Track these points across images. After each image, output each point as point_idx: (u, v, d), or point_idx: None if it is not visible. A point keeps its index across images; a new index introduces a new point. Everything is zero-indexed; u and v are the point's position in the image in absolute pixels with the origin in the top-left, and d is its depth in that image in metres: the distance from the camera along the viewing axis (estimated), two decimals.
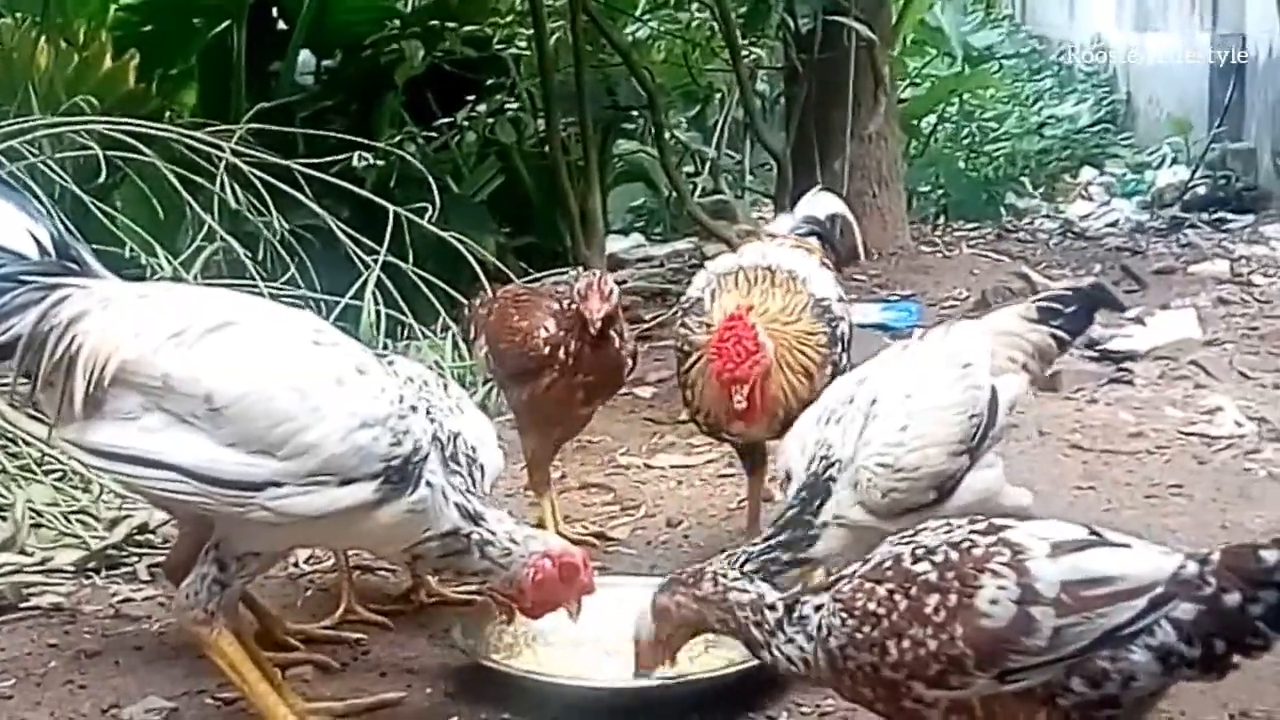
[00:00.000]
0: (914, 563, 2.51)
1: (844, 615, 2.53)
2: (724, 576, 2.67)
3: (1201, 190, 9.59)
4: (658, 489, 4.56)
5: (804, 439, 3.18)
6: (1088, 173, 11.26)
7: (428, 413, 2.93)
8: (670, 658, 2.77)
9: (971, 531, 2.54)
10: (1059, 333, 3.31)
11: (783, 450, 3.24)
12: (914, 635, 2.44)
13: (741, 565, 2.99)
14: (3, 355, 2.82)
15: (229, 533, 2.85)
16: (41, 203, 2.96)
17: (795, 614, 2.60)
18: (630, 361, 3.92)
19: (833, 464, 3.08)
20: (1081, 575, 2.40)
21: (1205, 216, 8.93)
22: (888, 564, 2.56)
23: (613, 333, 3.77)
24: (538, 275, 6.95)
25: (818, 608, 2.60)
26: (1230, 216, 8.91)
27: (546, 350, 3.77)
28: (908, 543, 2.59)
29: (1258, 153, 9.83)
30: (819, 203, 4.08)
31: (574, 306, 3.74)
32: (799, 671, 2.62)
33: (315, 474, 2.76)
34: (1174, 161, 10.77)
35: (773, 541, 3.06)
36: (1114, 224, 9.32)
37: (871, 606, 2.50)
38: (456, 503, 2.90)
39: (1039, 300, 3.38)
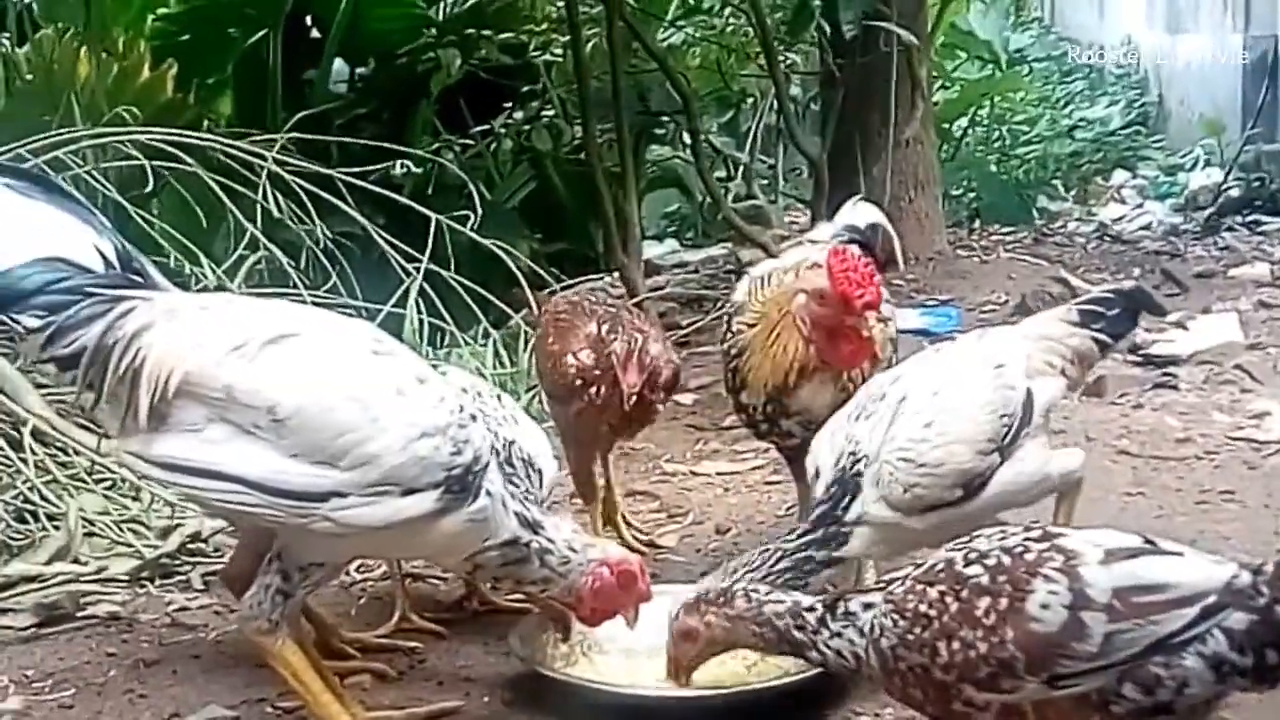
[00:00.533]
0: (966, 565, 2.54)
1: (896, 616, 2.55)
2: (755, 592, 2.71)
3: (1235, 192, 9.53)
4: (704, 496, 4.56)
5: (834, 436, 3.18)
6: (1120, 175, 11.22)
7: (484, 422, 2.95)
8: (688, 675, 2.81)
9: (1025, 538, 2.56)
10: (1100, 336, 3.30)
11: (814, 447, 3.24)
12: (964, 637, 2.46)
13: (776, 563, 3.01)
14: (67, 367, 2.84)
15: (292, 543, 2.86)
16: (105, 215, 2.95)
17: (839, 610, 2.63)
18: (665, 395, 3.87)
19: (860, 460, 3.09)
20: (1134, 582, 2.42)
21: (1240, 219, 8.88)
22: (940, 567, 2.58)
23: (647, 393, 3.72)
24: (571, 281, 6.99)
25: (867, 606, 2.61)
26: (1265, 219, 8.86)
27: (576, 382, 3.75)
28: (961, 547, 2.61)
29: None
30: (859, 212, 4.06)
31: (611, 338, 3.71)
32: (849, 666, 2.64)
33: (378, 484, 2.77)
34: (1207, 164, 10.72)
35: (806, 539, 3.07)
36: (1147, 227, 9.28)
37: (923, 608, 2.53)
38: (516, 511, 2.91)
39: (1080, 303, 3.37)
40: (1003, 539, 2.58)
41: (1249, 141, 10.05)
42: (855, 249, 3.65)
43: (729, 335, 3.69)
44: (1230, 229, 8.50)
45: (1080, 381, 3.37)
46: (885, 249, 4.06)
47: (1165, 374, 5.36)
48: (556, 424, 4.00)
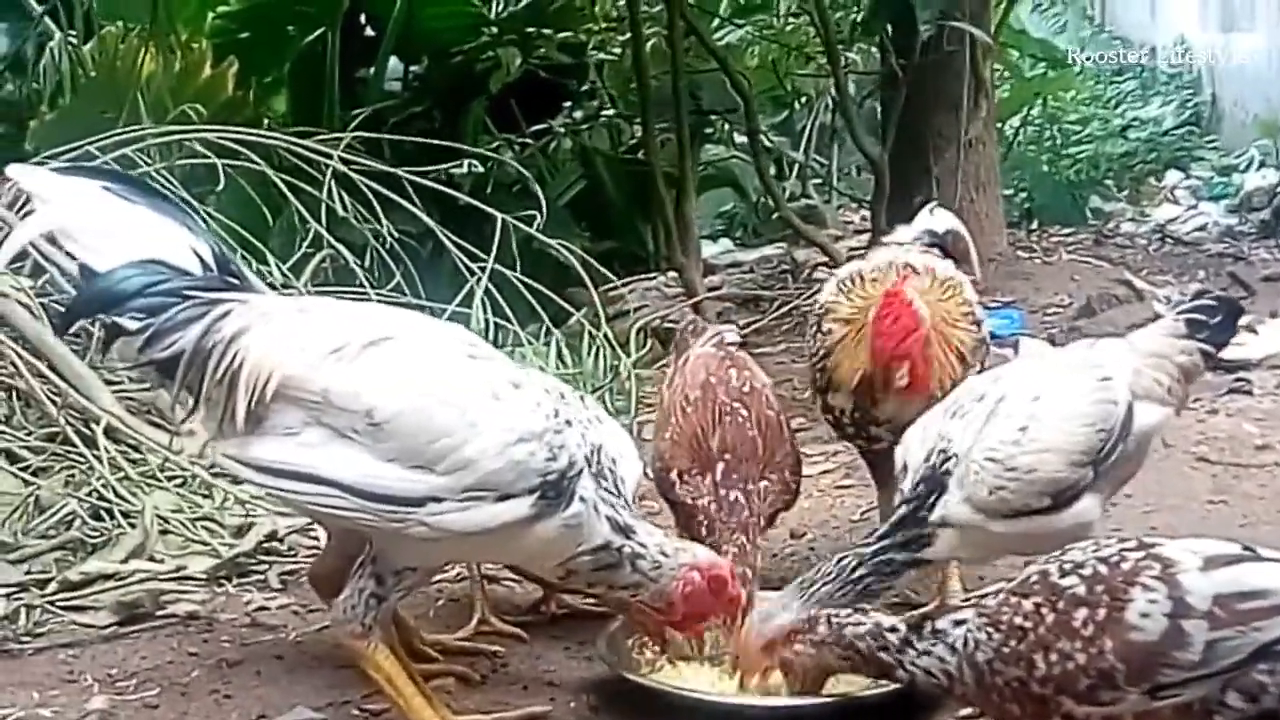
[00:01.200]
0: (1061, 577, 2.52)
1: (990, 630, 2.54)
2: (836, 616, 2.72)
3: None
4: None
5: (926, 431, 3.13)
6: (1173, 176, 11.11)
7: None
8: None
9: (1121, 547, 2.53)
10: (1206, 346, 3.25)
11: (905, 440, 3.19)
12: (1062, 649, 2.44)
13: (853, 571, 2.98)
14: (166, 370, 2.84)
15: (386, 547, 2.85)
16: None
17: (925, 630, 2.63)
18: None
19: (950, 458, 3.03)
20: (1235, 589, 2.40)
21: None
22: (1034, 578, 2.57)
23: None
24: (624, 280, 6.99)
25: (958, 622, 2.60)
26: None
27: (690, 507, 3.42)
28: (1055, 560, 2.58)
29: None
30: (936, 219, 3.98)
31: (726, 494, 3.38)
32: (940, 684, 2.64)
33: (473, 489, 2.77)
34: (1262, 164, 10.61)
35: (886, 542, 3.02)
36: (1202, 228, 9.18)
37: (1018, 620, 2.51)
38: (608, 516, 2.89)
39: (1183, 312, 3.30)
40: (1097, 549, 2.55)
41: None
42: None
43: (818, 335, 3.63)
44: None
45: (1185, 401, 3.29)
46: (960, 252, 4.02)
47: (1238, 379, 5.30)
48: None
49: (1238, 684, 2.36)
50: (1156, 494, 4.18)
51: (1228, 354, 5.52)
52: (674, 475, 3.48)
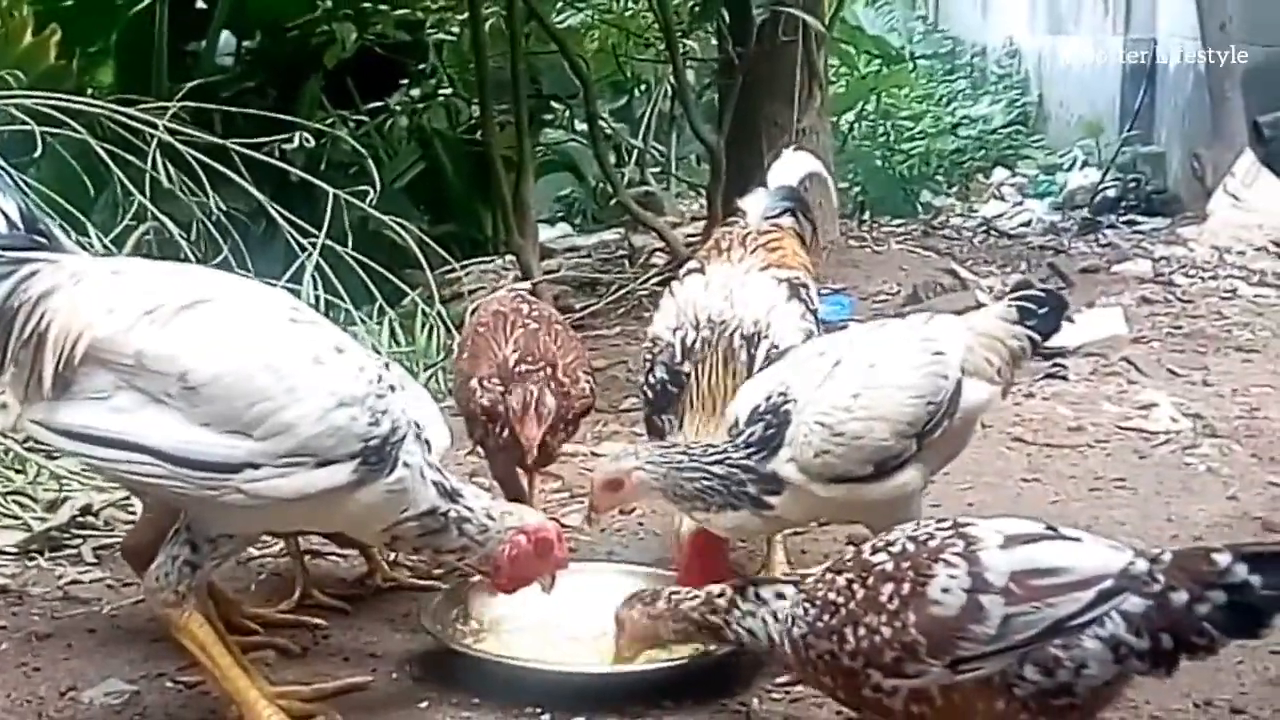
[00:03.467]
0: (873, 554, 2.60)
1: (806, 605, 2.61)
2: (675, 594, 2.79)
3: (1112, 193, 9.76)
4: None
5: (761, 383, 3.17)
6: (1000, 173, 11.42)
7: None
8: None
9: (933, 527, 2.60)
10: (1033, 334, 3.30)
11: (737, 399, 3.20)
12: (869, 623, 2.51)
13: (714, 463, 3.01)
14: None
15: (202, 514, 2.79)
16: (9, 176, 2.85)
17: (749, 593, 2.70)
18: (572, 430, 3.78)
19: (790, 401, 3.06)
20: (1031, 566, 2.46)
21: (1115, 218, 9.10)
22: (850, 556, 2.65)
23: (549, 439, 3.63)
24: (462, 264, 6.94)
25: (779, 595, 2.67)
26: (1140, 219, 9.08)
27: (481, 414, 3.66)
28: (875, 539, 2.65)
29: (1167, 157, 10.02)
30: (791, 166, 3.94)
31: (521, 369, 3.62)
32: (762, 645, 2.70)
33: (292, 455, 2.71)
34: (1085, 164, 10.95)
35: (750, 457, 3.01)
36: (1027, 224, 9.46)
37: (831, 596, 2.58)
38: (434, 480, 2.86)
39: (1015, 300, 3.35)
40: (915, 529, 2.62)
41: (1126, 143, 10.29)
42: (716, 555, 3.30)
43: (651, 378, 3.54)
44: (1113, 227, 8.70)
45: (1010, 384, 3.35)
46: (821, 196, 3.97)
47: (1055, 364, 5.47)
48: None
49: (1034, 658, 2.43)
50: (974, 472, 4.29)
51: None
52: (473, 384, 3.65)
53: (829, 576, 2.61)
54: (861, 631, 2.51)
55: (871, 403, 3.07)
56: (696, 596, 2.75)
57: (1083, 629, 2.42)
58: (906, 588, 2.49)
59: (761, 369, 3.38)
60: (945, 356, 3.16)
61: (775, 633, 2.66)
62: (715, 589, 2.75)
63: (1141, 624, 2.42)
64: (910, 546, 2.55)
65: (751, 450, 3.04)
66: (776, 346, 3.46)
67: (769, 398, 3.09)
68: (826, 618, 2.56)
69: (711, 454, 3.03)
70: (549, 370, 3.65)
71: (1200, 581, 2.42)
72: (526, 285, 4.14)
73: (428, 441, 3.05)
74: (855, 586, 2.55)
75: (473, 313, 4.05)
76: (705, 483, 3.00)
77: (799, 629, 2.60)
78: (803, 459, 3.03)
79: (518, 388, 3.59)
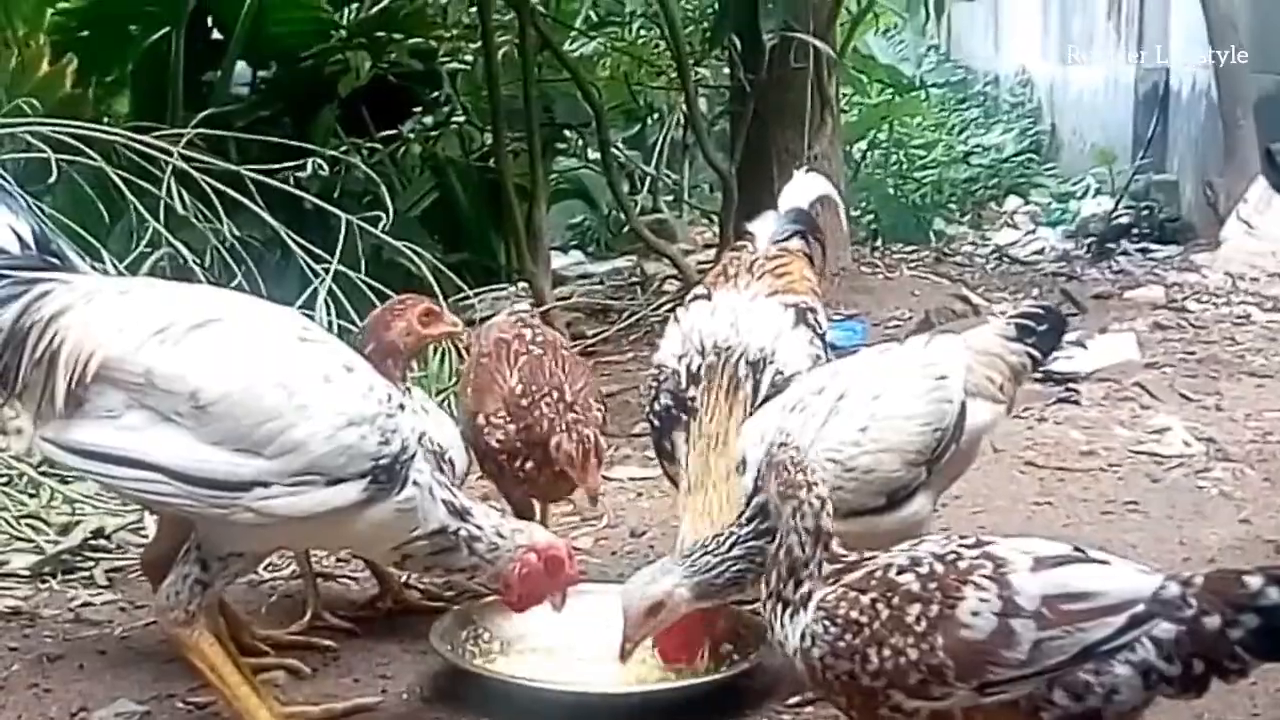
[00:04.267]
0: (898, 573, 2.54)
1: (827, 623, 2.55)
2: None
3: (1125, 220, 9.76)
4: (617, 500, 4.55)
5: (766, 426, 3.15)
6: (1013, 201, 11.42)
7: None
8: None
9: (959, 545, 2.57)
10: (1033, 351, 3.31)
11: (742, 435, 3.20)
12: (895, 644, 2.46)
13: (731, 548, 2.96)
14: None
15: (212, 533, 2.80)
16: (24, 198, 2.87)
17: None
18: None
19: None
20: (1062, 590, 2.43)
21: (1129, 246, 9.10)
22: (874, 574, 2.58)
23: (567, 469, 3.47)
24: (476, 291, 6.96)
25: (805, 622, 2.59)
26: (1153, 247, 9.08)
27: (500, 456, 3.51)
28: (897, 555, 2.61)
29: (1180, 184, 10.02)
30: (802, 189, 3.92)
31: (529, 401, 3.48)
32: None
33: (302, 473, 2.72)
34: (1098, 192, 10.95)
35: (754, 526, 2.97)
36: (1040, 252, 9.45)
37: (854, 615, 2.53)
38: (444, 499, 2.87)
39: (1013, 318, 3.36)
40: (936, 547, 2.59)
41: (1139, 171, 10.29)
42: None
43: (656, 404, 3.53)
44: (1125, 254, 8.70)
45: (1014, 401, 3.35)
46: (831, 219, 3.94)
47: (1067, 389, 5.46)
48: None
49: (1063, 683, 2.40)
50: (985, 495, 4.29)
51: (1058, 366, 5.77)
52: (480, 420, 3.53)
53: (851, 595, 2.56)
54: (886, 652, 2.46)
55: (880, 435, 3.06)
56: None
57: (1114, 654, 2.39)
58: (935, 609, 2.45)
59: (768, 397, 3.37)
60: (948, 381, 3.15)
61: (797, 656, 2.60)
62: None
63: (1173, 650, 2.39)
64: (938, 567, 2.51)
65: (757, 520, 2.99)
66: (782, 373, 3.44)
67: (769, 453, 3.04)
68: (849, 637, 2.51)
69: (726, 542, 2.95)
70: (559, 397, 3.51)
71: (1233, 605, 2.39)
72: (526, 308, 4.00)
73: (452, 462, 3.08)
74: (880, 606, 2.50)
75: (473, 340, 3.90)
76: (733, 569, 2.93)
77: (819, 648, 2.55)
78: None
79: (573, 444, 3.43)
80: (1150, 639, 2.39)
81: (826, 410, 3.10)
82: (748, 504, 3.06)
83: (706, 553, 2.95)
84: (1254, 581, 2.40)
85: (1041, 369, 5.00)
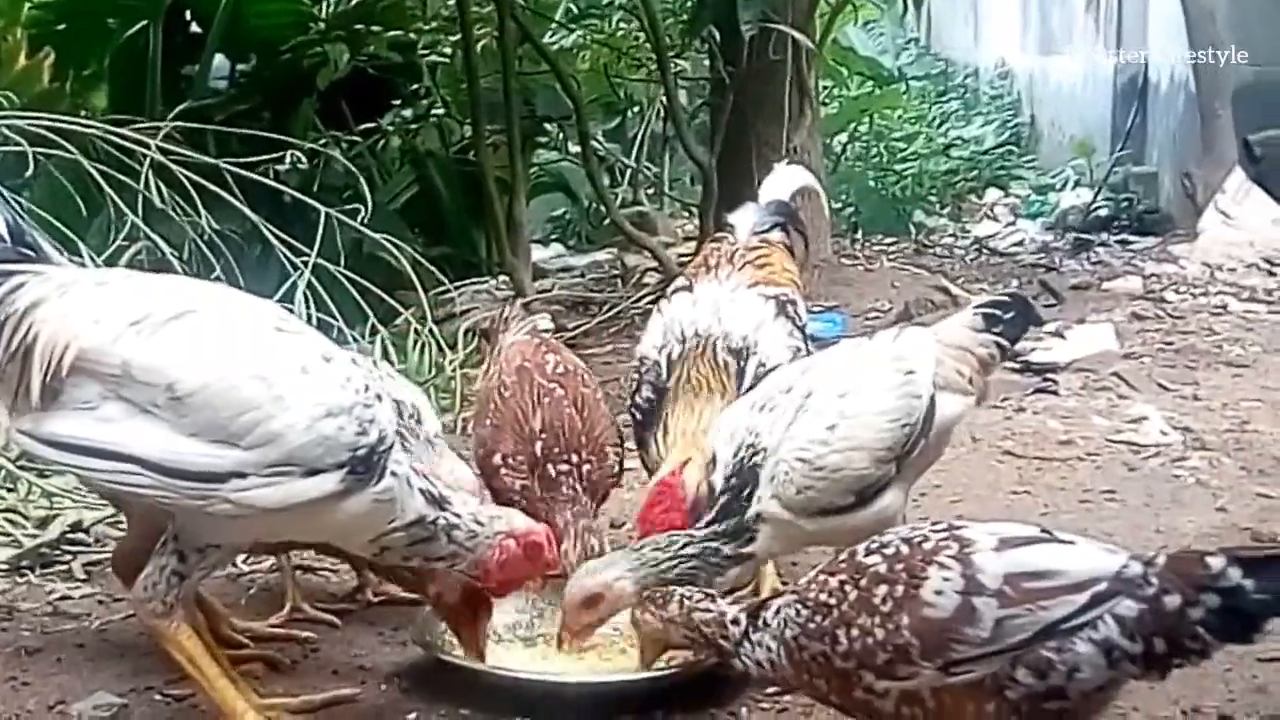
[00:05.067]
0: (866, 555, 2.57)
1: (799, 606, 2.59)
2: (689, 599, 2.74)
3: (1104, 212, 9.81)
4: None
5: (735, 424, 3.15)
6: (993, 193, 11.47)
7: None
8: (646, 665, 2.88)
9: (928, 529, 2.59)
10: (1001, 340, 3.29)
11: (711, 433, 3.21)
12: (862, 624, 2.49)
13: (683, 548, 2.99)
14: None
15: (190, 524, 2.78)
16: None
17: (760, 620, 2.65)
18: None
19: (758, 452, 3.06)
20: (1025, 569, 2.45)
21: (1108, 238, 9.14)
22: (843, 557, 2.62)
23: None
24: (456, 284, 6.95)
25: (779, 610, 2.64)
26: (1132, 238, 9.13)
27: (513, 495, 3.40)
28: (869, 541, 2.64)
29: (1159, 176, 10.07)
30: (783, 181, 3.92)
31: (546, 456, 3.40)
32: (769, 674, 2.67)
33: (279, 464, 2.71)
34: (1077, 184, 11.01)
35: (714, 530, 3.04)
36: (1020, 243, 9.50)
37: (823, 597, 2.56)
38: (421, 489, 2.85)
39: (979, 307, 3.35)
40: (906, 531, 2.62)
41: (1118, 163, 10.35)
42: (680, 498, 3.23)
43: (637, 398, 3.53)
44: (1104, 245, 8.74)
45: (984, 393, 3.33)
46: (812, 209, 3.92)
47: (1045, 379, 5.49)
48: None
49: (1026, 660, 2.42)
50: (964, 484, 4.31)
51: (1037, 356, 5.82)
52: (497, 460, 3.47)
53: (822, 578, 2.60)
54: (854, 633, 2.49)
55: (849, 433, 3.06)
56: (710, 610, 2.71)
57: (1076, 632, 2.41)
58: (900, 589, 2.47)
59: (751, 387, 3.37)
60: (916, 375, 3.14)
61: (775, 650, 2.62)
62: (730, 614, 2.69)
63: (1135, 628, 2.40)
64: (904, 549, 2.53)
65: (715, 523, 3.03)
66: (764, 364, 3.45)
67: (737, 454, 3.08)
68: (819, 619, 2.54)
69: (680, 540, 2.99)
70: (577, 459, 3.43)
71: (1194, 585, 2.40)
72: (549, 325, 3.88)
73: (420, 420, 3.05)
74: (848, 588, 2.53)
75: (491, 356, 3.76)
76: (684, 566, 2.96)
77: (791, 630, 2.58)
78: (785, 496, 3.03)
79: (575, 540, 3.30)
80: (1113, 617, 2.41)
81: (795, 408, 3.09)
82: (711, 504, 3.09)
83: (657, 548, 2.96)
84: (1216, 562, 2.42)
85: (1014, 358, 5.08)
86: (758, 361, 3.47)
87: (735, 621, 2.67)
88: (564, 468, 3.42)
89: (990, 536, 2.52)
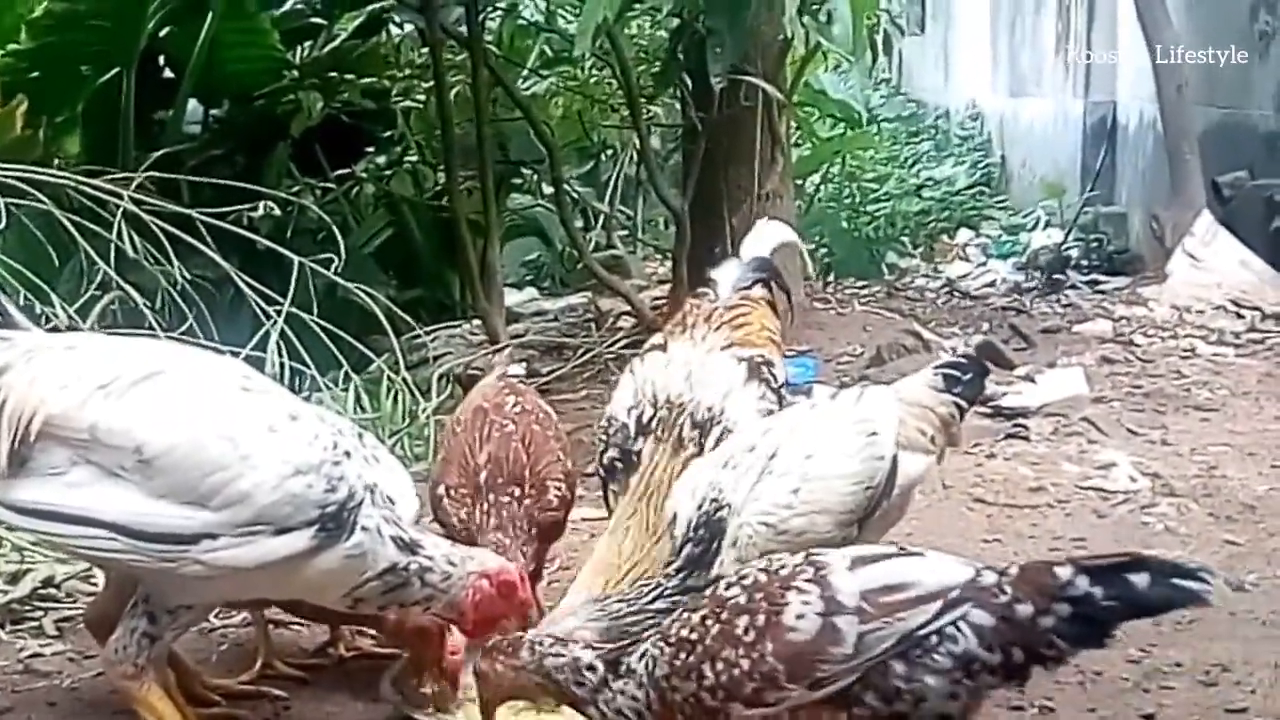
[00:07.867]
0: (726, 589, 2.62)
1: (663, 645, 2.61)
2: (540, 644, 2.72)
3: (1075, 252, 9.88)
4: (570, 540, 4.51)
5: (697, 481, 3.16)
6: (964, 234, 11.55)
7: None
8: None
9: (785, 558, 2.64)
10: (959, 401, 3.32)
11: (673, 493, 3.21)
12: (727, 656, 2.52)
13: (652, 600, 3.00)
14: None
15: (160, 586, 2.80)
16: None
17: (622, 668, 2.65)
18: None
19: (723, 507, 3.07)
20: (880, 584, 2.51)
21: (1079, 278, 9.20)
22: (705, 595, 2.67)
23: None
24: (429, 329, 6.97)
25: (643, 653, 2.64)
26: (1102, 279, 9.19)
27: (455, 526, 3.43)
28: (730, 575, 2.69)
29: (1129, 217, 10.16)
30: (764, 237, 3.92)
31: (491, 492, 3.43)
32: None
33: (249, 524, 2.72)
34: (1048, 224, 11.08)
35: (686, 584, 3.02)
36: (991, 284, 9.55)
37: (685, 633, 2.59)
38: (392, 536, 2.86)
39: (939, 367, 3.37)
40: (764, 562, 2.65)
41: (1088, 203, 10.43)
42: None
43: (607, 460, 3.51)
44: (1074, 287, 8.80)
45: (943, 451, 3.36)
46: (792, 266, 3.92)
47: (1016, 425, 5.52)
48: None
49: (891, 673, 2.46)
50: (935, 532, 4.32)
51: (1008, 402, 5.85)
52: (440, 490, 3.52)
53: (685, 615, 2.63)
54: (719, 666, 2.52)
55: (812, 496, 3.07)
56: (562, 656, 2.68)
57: (933, 638, 2.46)
58: (761, 618, 2.51)
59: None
60: (879, 437, 3.16)
61: (642, 698, 2.60)
62: (585, 659, 2.66)
63: (992, 638, 2.46)
64: (762, 578, 2.58)
65: (685, 575, 3.03)
66: (730, 431, 3.43)
67: (701, 507, 3.08)
68: (684, 656, 2.56)
69: (647, 594, 2.99)
70: (519, 492, 3.47)
71: (1045, 594, 2.47)
72: (519, 370, 3.94)
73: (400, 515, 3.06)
74: (710, 622, 2.56)
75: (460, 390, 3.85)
76: (649, 621, 2.94)
77: (660, 670, 2.58)
78: (748, 559, 3.00)
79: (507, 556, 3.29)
80: (971, 628, 2.46)
81: (759, 469, 3.11)
82: (678, 556, 3.09)
83: (621, 600, 2.97)
84: (1064, 572, 2.49)
85: (986, 403, 5.11)
86: (723, 429, 3.45)
87: (591, 668, 2.65)
88: (505, 499, 3.45)
89: (844, 558, 2.59)
